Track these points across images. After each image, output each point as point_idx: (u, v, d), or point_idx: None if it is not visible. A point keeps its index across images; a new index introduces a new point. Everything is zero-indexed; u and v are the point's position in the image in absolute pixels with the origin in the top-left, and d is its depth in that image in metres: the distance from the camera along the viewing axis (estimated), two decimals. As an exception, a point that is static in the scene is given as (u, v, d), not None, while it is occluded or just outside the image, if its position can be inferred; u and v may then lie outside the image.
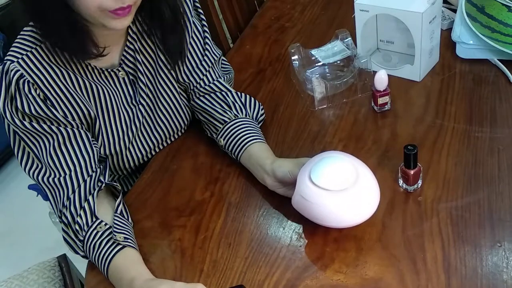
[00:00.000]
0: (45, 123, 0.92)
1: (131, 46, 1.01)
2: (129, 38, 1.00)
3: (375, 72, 1.08)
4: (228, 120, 1.05)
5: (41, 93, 0.91)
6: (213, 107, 1.07)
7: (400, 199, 0.92)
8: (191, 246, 0.92)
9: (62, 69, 0.93)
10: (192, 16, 1.06)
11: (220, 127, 1.05)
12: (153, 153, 1.11)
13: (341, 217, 0.83)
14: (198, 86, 1.09)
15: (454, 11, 1.33)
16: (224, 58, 1.21)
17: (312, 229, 0.90)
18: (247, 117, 1.06)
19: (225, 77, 1.15)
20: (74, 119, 0.95)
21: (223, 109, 1.07)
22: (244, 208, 0.97)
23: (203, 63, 1.09)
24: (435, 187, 0.93)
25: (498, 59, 1.19)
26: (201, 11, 1.10)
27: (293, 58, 1.20)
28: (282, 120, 1.16)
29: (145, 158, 1.11)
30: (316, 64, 1.23)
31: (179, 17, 1.00)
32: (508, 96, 1.11)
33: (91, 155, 0.96)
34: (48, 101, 0.92)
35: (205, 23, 1.10)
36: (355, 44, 1.23)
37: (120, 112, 1.02)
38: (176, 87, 1.09)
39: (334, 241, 0.87)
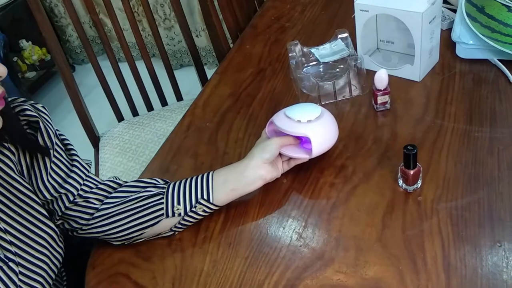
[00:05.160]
0: None
1: None
2: None
3: (374, 72, 1.08)
4: (162, 189, 0.92)
5: None
6: (137, 193, 0.92)
7: (400, 199, 0.92)
8: (191, 246, 0.92)
9: None
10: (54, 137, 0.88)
11: (162, 204, 0.90)
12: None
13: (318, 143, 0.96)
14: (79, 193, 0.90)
15: (454, 11, 1.33)
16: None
17: (312, 229, 0.90)
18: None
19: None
20: None
21: (145, 189, 0.93)
22: (244, 208, 0.97)
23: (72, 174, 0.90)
24: (435, 187, 0.93)
25: (498, 59, 1.19)
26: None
27: (290, 55, 1.20)
28: (282, 120, 1.15)
29: None
30: (312, 63, 1.23)
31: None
32: (508, 96, 1.11)
33: None
34: None
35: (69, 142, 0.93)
36: (355, 44, 1.23)
37: None
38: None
39: (334, 241, 0.87)
